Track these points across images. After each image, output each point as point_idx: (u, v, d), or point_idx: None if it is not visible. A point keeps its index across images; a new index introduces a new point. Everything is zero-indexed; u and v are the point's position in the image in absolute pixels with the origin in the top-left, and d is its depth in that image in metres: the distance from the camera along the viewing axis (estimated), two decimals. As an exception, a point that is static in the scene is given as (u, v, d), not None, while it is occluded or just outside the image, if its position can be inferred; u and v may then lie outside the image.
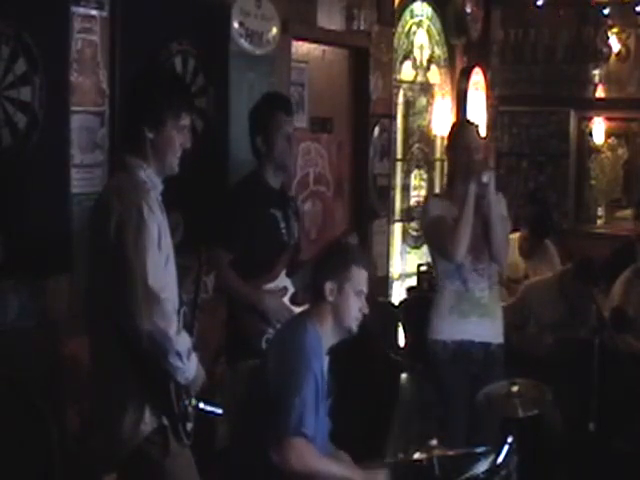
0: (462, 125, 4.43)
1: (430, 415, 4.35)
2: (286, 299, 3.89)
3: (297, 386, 2.93)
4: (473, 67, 7.59)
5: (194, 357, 2.91)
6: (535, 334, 5.14)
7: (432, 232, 4.22)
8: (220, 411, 3.10)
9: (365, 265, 3.22)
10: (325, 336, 3.12)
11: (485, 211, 4.04)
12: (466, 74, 7.51)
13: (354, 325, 3.16)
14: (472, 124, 4.41)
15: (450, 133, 4.38)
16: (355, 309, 3.14)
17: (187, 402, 2.93)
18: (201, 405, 3.02)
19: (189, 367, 2.87)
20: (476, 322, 4.13)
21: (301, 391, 2.92)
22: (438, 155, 7.50)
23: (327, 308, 3.12)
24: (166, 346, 2.79)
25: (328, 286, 3.10)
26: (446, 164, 7.32)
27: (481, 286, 4.15)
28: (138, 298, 2.77)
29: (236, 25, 4.81)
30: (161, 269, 2.85)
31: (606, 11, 7.60)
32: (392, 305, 6.31)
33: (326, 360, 3.16)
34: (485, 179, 3.98)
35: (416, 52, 7.11)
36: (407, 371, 5.69)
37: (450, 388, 4.06)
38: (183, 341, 2.85)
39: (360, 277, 3.16)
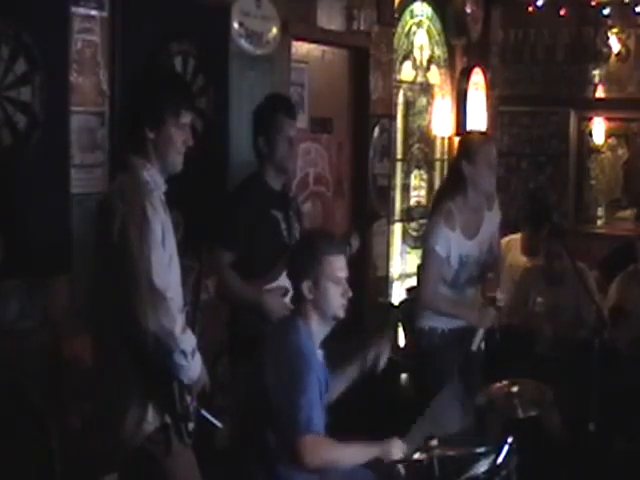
0: (484, 142, 4.32)
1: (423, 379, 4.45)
2: (287, 299, 3.89)
3: (302, 387, 2.93)
4: (473, 67, 7.58)
5: (198, 357, 2.91)
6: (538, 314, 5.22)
7: (424, 266, 4.32)
8: (220, 424, 3.10)
9: (336, 250, 3.18)
10: (315, 332, 3.13)
11: None
12: (466, 74, 7.51)
13: (340, 312, 3.16)
14: (491, 139, 4.46)
15: (469, 146, 4.28)
16: (337, 297, 3.13)
17: (189, 402, 2.94)
18: (203, 412, 3.03)
19: (193, 366, 2.88)
20: (469, 312, 4.28)
21: (306, 391, 2.93)
22: (438, 155, 7.50)
23: (309, 306, 3.12)
24: (171, 345, 2.79)
25: (305, 285, 3.10)
26: (446, 164, 7.41)
27: (473, 289, 4.36)
28: (143, 297, 2.77)
29: (236, 25, 4.81)
30: (165, 268, 2.85)
31: (606, 11, 7.59)
32: (392, 305, 6.32)
33: (320, 354, 3.17)
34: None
35: (416, 52, 7.10)
36: (407, 371, 5.69)
37: (444, 371, 4.09)
38: (188, 340, 2.85)
39: (334, 265, 3.13)
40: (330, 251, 3.15)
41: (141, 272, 2.78)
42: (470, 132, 4.70)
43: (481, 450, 3.20)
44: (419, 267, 6.61)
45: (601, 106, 7.92)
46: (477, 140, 4.37)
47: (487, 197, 4.32)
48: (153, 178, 2.95)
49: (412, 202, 7.13)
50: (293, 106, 4.18)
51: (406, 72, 6.99)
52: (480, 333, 4.23)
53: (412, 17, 7.00)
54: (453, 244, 4.17)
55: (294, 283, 3.18)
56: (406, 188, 7.10)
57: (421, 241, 4.53)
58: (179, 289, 2.97)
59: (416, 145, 7.24)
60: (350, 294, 3.17)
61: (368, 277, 6.25)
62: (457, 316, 4.23)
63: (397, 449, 3.05)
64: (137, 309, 2.77)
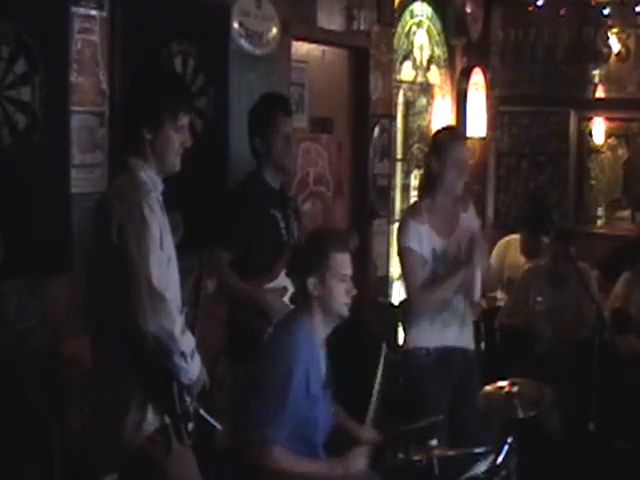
0: (452, 139, 4.18)
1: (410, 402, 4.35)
2: (286, 299, 3.89)
3: (283, 393, 2.97)
4: (473, 67, 7.58)
5: (197, 357, 2.91)
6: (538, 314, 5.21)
7: (404, 268, 4.13)
8: (219, 426, 3.11)
9: (343, 247, 3.19)
10: (318, 329, 3.14)
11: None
12: (466, 74, 7.51)
13: (344, 311, 3.17)
14: (461, 136, 4.33)
15: (438, 143, 4.17)
16: (342, 295, 3.14)
17: (189, 402, 2.94)
18: (202, 412, 3.03)
19: (193, 367, 2.88)
20: (456, 330, 4.10)
21: (285, 397, 2.96)
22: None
23: (314, 303, 3.13)
24: (171, 346, 2.79)
25: (310, 282, 3.11)
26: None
27: (459, 297, 4.10)
28: (142, 298, 2.77)
29: (236, 25, 4.81)
30: (164, 269, 2.85)
31: (606, 11, 7.59)
32: (392, 305, 6.32)
33: (323, 352, 3.17)
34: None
35: (416, 52, 7.10)
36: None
37: (433, 396, 3.98)
38: (187, 341, 2.85)
39: (340, 262, 3.14)
40: (337, 248, 3.16)
41: (140, 273, 2.78)
42: (442, 129, 4.56)
43: (481, 450, 3.21)
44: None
45: (601, 106, 7.91)
46: (446, 137, 4.21)
47: (459, 198, 4.15)
48: (151, 178, 2.95)
49: (412, 202, 7.12)
50: (289, 103, 4.20)
51: (406, 72, 6.99)
52: (478, 275, 3.97)
53: (412, 17, 7.00)
54: (425, 238, 4.00)
55: (299, 279, 3.17)
56: (406, 188, 7.10)
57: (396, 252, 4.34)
58: (178, 289, 2.97)
59: (416, 145, 7.24)
60: (354, 292, 3.18)
61: (368, 277, 6.25)
62: (452, 284, 3.95)
63: (359, 459, 3.06)
64: (137, 310, 2.77)
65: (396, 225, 6.84)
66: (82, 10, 3.97)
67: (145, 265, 2.78)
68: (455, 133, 4.53)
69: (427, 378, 4.03)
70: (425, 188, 4.16)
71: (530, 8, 7.55)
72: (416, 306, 4.08)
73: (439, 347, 4.06)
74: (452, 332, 4.09)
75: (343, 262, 3.15)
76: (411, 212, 4.17)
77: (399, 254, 4.16)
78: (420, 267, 4.01)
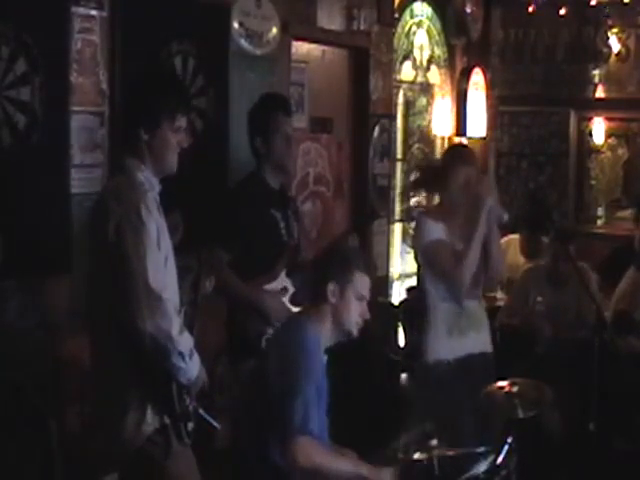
0: (463, 150, 4.37)
1: (430, 415, 4.32)
2: (286, 299, 3.89)
3: (299, 386, 2.93)
4: (473, 67, 7.58)
5: (196, 357, 2.91)
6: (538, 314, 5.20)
7: (433, 259, 4.09)
8: (218, 426, 3.10)
9: (367, 271, 3.20)
10: (324, 336, 3.12)
11: (486, 233, 4.06)
12: (466, 74, 7.51)
13: (354, 329, 3.16)
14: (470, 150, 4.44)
15: (450, 154, 4.36)
16: (356, 314, 3.13)
17: (188, 402, 2.94)
18: (202, 412, 3.03)
19: (191, 367, 2.88)
20: (474, 336, 4.12)
21: (304, 391, 2.93)
22: (438, 155, 7.49)
23: (327, 309, 3.11)
24: (168, 346, 2.79)
25: (330, 287, 3.09)
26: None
27: (474, 301, 4.14)
28: (139, 299, 2.77)
29: (236, 25, 4.81)
30: (161, 269, 2.85)
31: (606, 11, 7.60)
32: (392, 305, 6.32)
33: (324, 359, 3.17)
34: (505, 217, 4.11)
35: (416, 52, 7.10)
36: (407, 371, 5.69)
37: (457, 404, 3.96)
38: (185, 341, 2.85)
39: (362, 282, 3.15)
40: (363, 269, 3.17)
41: (137, 274, 2.79)
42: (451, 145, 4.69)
43: (481, 450, 3.20)
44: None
45: (601, 106, 7.91)
46: (454, 149, 4.41)
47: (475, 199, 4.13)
48: (148, 179, 2.96)
49: (412, 202, 7.13)
50: (288, 103, 4.20)
51: (406, 72, 6.99)
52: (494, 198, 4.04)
53: (412, 17, 7.00)
54: (440, 232, 4.02)
55: (319, 281, 3.14)
56: (406, 188, 7.10)
57: (418, 255, 4.28)
58: (176, 289, 2.97)
59: (416, 145, 7.24)
60: (368, 316, 3.17)
61: (368, 277, 6.24)
62: (478, 241, 3.96)
63: (387, 477, 3.04)
64: (134, 311, 2.78)
65: (397, 225, 6.89)
66: (82, 10, 3.98)
67: (141, 265, 2.79)
68: (462, 145, 4.58)
69: (448, 389, 4.01)
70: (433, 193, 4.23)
71: (530, 8, 7.54)
72: (460, 282, 4.01)
73: (460, 357, 4.07)
74: (470, 338, 4.10)
75: (364, 283, 3.15)
76: (424, 213, 4.22)
77: (428, 255, 4.10)
78: (451, 251, 4.00)
